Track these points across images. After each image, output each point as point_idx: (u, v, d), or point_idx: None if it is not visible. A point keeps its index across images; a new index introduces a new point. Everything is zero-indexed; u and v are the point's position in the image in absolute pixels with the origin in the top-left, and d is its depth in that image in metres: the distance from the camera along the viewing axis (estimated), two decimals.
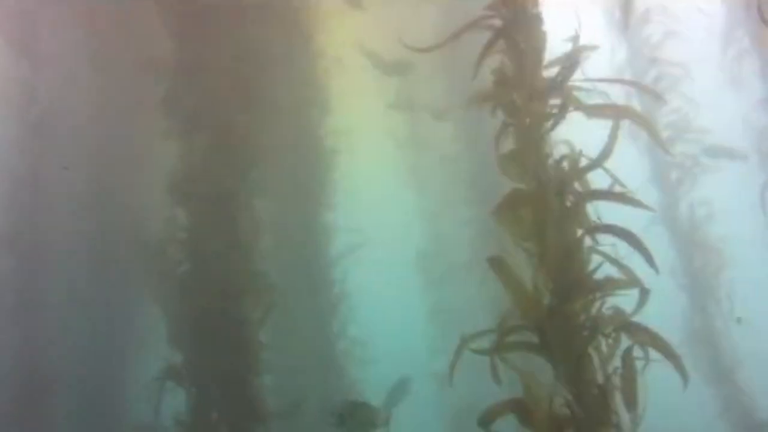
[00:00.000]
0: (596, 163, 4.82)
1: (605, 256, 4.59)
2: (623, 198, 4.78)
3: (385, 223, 11.27)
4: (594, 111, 4.99)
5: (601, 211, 4.79)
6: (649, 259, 4.51)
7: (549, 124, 4.94)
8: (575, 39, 4.87)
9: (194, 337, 7.44)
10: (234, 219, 7.89)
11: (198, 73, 7.68)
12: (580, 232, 4.77)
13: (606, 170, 4.80)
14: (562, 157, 4.83)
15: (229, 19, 7.81)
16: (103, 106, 9.00)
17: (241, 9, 7.78)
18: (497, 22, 5.04)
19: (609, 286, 4.65)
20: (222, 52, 7.75)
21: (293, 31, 8.81)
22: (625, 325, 4.54)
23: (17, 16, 8.91)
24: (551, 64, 4.98)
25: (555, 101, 4.94)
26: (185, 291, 7.79)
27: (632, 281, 4.60)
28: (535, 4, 4.98)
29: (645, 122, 5.48)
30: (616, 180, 4.85)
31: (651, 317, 4.43)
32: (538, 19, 5.04)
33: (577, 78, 4.84)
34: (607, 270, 4.56)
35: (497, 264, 4.87)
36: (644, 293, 4.56)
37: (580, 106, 4.91)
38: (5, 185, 9.19)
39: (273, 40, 8.23)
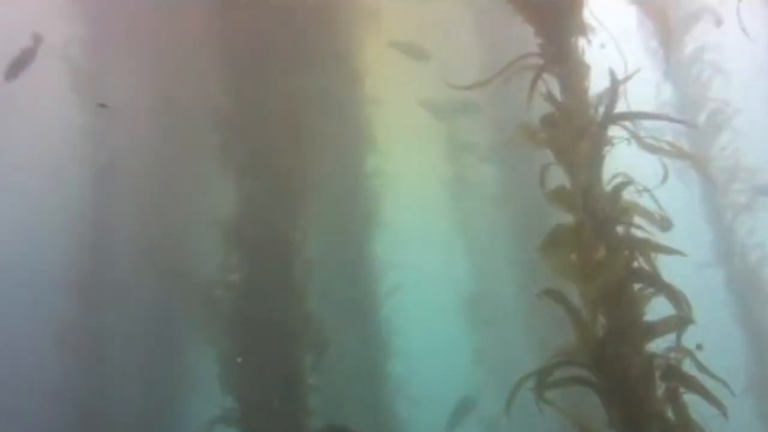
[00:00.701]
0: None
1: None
2: (666, 249, 4.68)
3: (432, 263, 11.29)
4: (646, 146, 4.99)
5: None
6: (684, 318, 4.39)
7: (596, 161, 4.96)
8: (616, 76, 4.88)
9: (246, 379, 7.57)
10: (286, 261, 8.10)
11: (253, 120, 8.04)
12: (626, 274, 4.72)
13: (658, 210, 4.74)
14: (610, 194, 4.84)
15: (282, 66, 8.15)
16: (164, 153, 9.40)
17: (293, 55, 8.09)
18: (541, 60, 5.15)
19: (661, 327, 4.58)
20: (275, 100, 8.09)
21: (341, 76, 9.06)
22: (677, 374, 4.43)
23: (86, 68, 9.47)
24: (597, 100, 5.02)
25: (602, 137, 4.91)
26: (237, 332, 8.01)
27: (685, 321, 4.51)
28: (579, 42, 5.05)
29: (697, 161, 5.44)
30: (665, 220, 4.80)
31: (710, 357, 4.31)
32: (582, 59, 5.10)
33: (623, 114, 4.84)
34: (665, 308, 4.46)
35: (553, 295, 4.83)
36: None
37: (634, 138, 4.89)
38: (72, 229, 9.61)
39: (323, 85, 8.51)
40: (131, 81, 9.57)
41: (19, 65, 8.70)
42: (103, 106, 8.87)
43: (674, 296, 4.43)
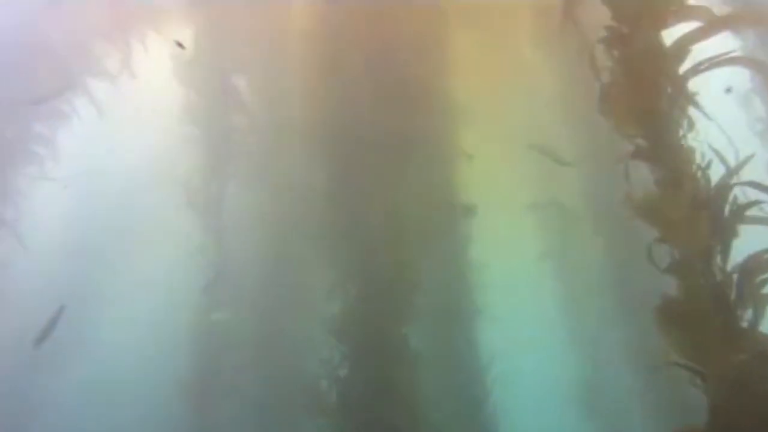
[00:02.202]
0: None
1: None
2: None
3: (539, 349, 10.98)
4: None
5: None
6: None
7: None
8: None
9: None
10: (392, 355, 8.20)
11: (351, 208, 8.51)
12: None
13: None
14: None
15: (387, 167, 8.66)
16: (270, 258, 9.90)
17: (398, 153, 8.54)
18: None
19: None
20: (370, 184, 8.57)
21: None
22: None
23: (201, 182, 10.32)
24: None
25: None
26: (343, 428, 8.04)
27: None
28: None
29: None
30: None
31: None
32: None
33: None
34: None
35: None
36: None
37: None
38: (185, 335, 10.12)
39: (426, 178, 8.86)
40: (240, 198, 10.26)
41: None
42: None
43: None
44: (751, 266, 4.75)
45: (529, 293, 11.13)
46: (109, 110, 9.95)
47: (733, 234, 4.85)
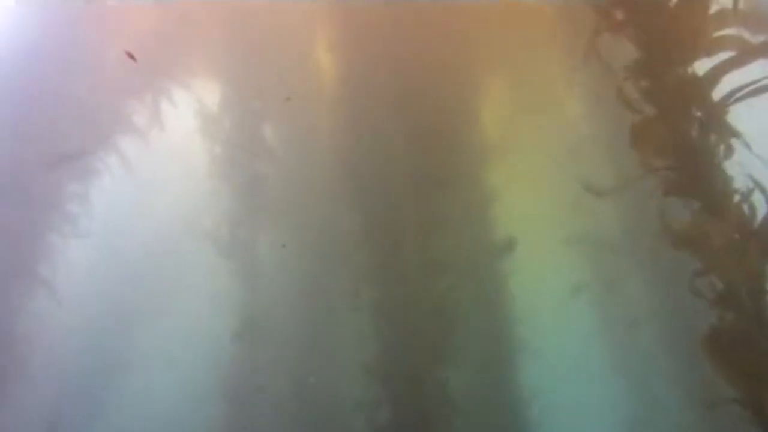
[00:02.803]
0: None
1: None
2: None
3: (582, 386, 10.70)
4: None
5: None
6: None
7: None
8: None
9: None
10: (429, 397, 8.10)
11: (385, 250, 8.52)
12: None
13: None
14: None
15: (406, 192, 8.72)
16: (302, 304, 9.90)
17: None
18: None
19: None
20: (405, 224, 8.61)
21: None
22: None
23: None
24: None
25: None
26: None
27: None
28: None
29: None
30: None
31: None
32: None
33: None
34: None
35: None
36: None
37: None
38: (216, 382, 10.11)
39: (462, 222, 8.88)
40: (271, 246, 10.36)
41: None
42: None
43: None
44: None
45: (570, 327, 10.93)
46: (139, 165, 10.14)
47: None
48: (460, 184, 8.99)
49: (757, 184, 4.78)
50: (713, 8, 4.99)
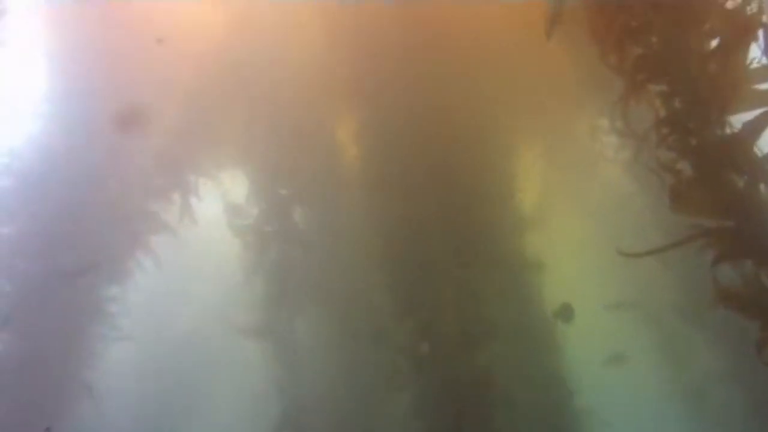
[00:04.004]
0: None
1: None
2: None
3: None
4: None
5: None
6: None
7: None
8: None
9: None
10: None
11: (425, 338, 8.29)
12: None
13: None
14: None
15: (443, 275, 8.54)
16: (348, 397, 9.68)
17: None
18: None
19: None
20: (444, 308, 8.39)
21: (511, 275, 9.13)
22: None
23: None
24: None
25: None
26: None
27: None
28: None
29: None
30: None
31: None
32: None
33: None
34: None
35: None
36: None
37: None
38: None
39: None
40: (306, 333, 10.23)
41: None
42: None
43: None
44: None
45: (634, 395, 10.39)
46: (170, 261, 10.19)
47: None
48: (499, 256, 8.78)
49: None
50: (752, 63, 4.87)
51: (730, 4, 5.16)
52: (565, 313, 9.02)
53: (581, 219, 9.85)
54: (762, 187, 4.99)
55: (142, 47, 9.28)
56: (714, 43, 5.23)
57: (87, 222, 9.60)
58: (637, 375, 10.30)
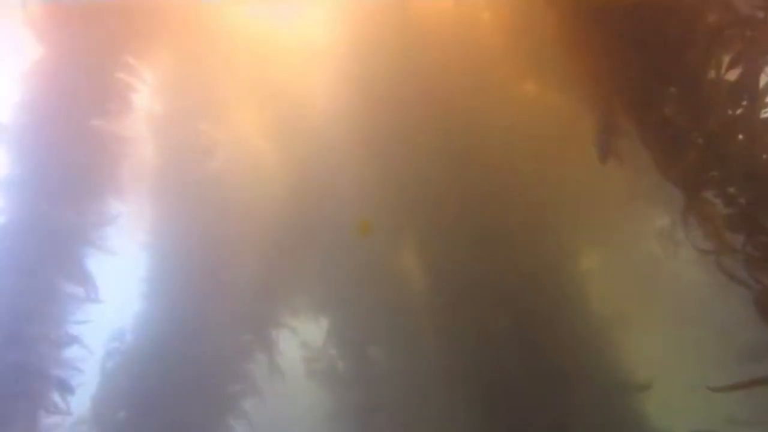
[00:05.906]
0: None
1: None
2: None
3: None
4: None
5: None
6: None
7: None
8: None
9: None
10: None
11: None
12: None
13: None
14: None
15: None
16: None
17: None
18: None
19: None
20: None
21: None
22: None
23: None
24: None
25: None
26: None
27: None
28: None
29: None
30: None
31: None
32: None
33: None
34: None
35: None
36: None
37: None
38: None
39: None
40: None
41: None
42: None
43: None
44: None
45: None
46: (258, 421, 10.28)
47: None
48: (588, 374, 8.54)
49: None
50: None
51: None
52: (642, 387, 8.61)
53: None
54: None
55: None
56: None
57: (174, 388, 9.83)
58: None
